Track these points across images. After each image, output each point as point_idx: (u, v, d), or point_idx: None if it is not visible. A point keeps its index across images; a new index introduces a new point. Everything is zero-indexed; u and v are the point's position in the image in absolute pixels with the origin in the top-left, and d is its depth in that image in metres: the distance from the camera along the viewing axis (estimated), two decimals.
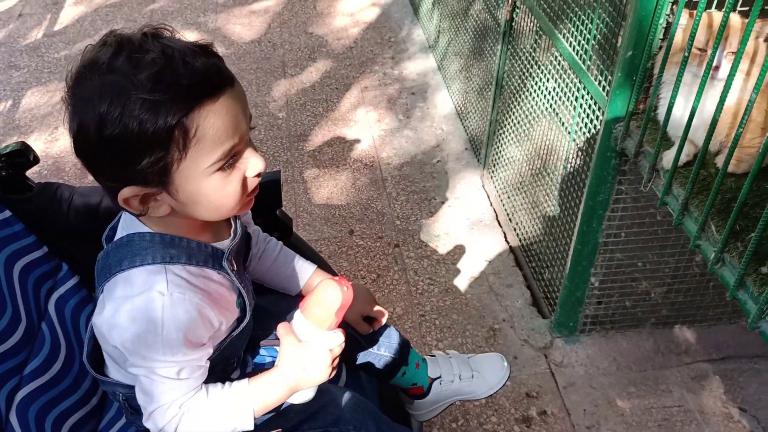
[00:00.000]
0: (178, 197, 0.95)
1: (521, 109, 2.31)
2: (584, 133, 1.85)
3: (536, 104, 2.18)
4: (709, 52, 1.30)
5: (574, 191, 1.95)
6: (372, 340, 1.41)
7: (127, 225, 1.04)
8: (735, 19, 1.35)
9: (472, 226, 2.54)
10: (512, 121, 2.41)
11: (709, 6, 1.46)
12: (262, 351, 1.29)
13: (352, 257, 2.43)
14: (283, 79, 3.40)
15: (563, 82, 1.97)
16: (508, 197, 2.51)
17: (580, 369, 2.05)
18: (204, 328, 1.02)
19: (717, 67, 1.33)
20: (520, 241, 2.41)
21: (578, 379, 2.03)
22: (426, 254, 2.43)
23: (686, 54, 1.35)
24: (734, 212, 1.23)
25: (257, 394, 1.06)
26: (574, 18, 1.84)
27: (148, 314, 0.96)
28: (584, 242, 1.87)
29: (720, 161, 1.43)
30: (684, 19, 1.40)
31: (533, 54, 2.18)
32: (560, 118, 2.01)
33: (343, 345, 1.09)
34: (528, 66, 2.23)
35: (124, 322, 0.97)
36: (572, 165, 1.97)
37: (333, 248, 2.47)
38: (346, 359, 1.36)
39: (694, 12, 1.36)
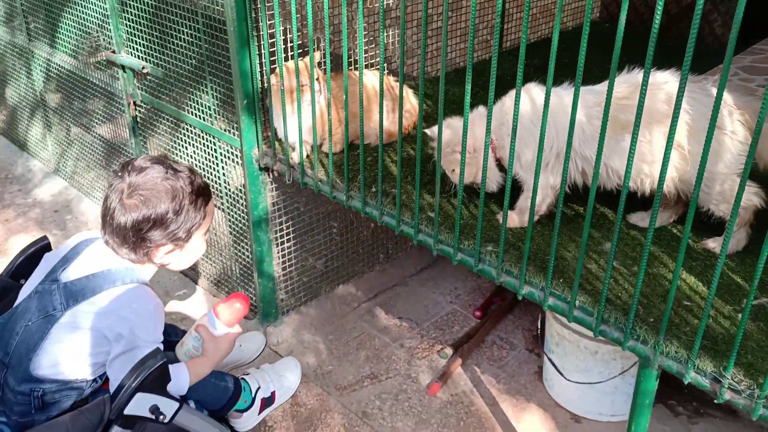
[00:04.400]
0: (184, 249, 1.80)
1: None
2: (232, 168, 2.54)
3: None
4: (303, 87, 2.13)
5: (240, 215, 2.62)
6: None
7: (104, 260, 1.74)
8: (301, 65, 2.20)
9: (169, 291, 3.01)
10: None
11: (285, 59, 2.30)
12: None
13: None
14: None
15: (201, 143, 2.64)
16: None
17: (292, 340, 2.71)
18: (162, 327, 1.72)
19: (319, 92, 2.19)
20: (207, 279, 2.98)
21: (293, 347, 2.68)
22: None
23: (282, 96, 2.16)
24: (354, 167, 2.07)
25: (193, 372, 1.78)
26: (194, 96, 2.54)
27: (146, 309, 1.65)
28: (260, 244, 2.55)
29: (325, 148, 2.28)
30: (273, 78, 2.22)
31: (167, 134, 2.81)
32: (208, 167, 2.66)
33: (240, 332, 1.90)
34: (165, 144, 2.84)
35: (130, 315, 1.63)
36: (231, 197, 2.64)
37: None
38: None
39: (278, 71, 2.18)
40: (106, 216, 1.74)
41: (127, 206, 1.70)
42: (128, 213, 1.69)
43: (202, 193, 1.81)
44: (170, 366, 1.72)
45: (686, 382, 1.50)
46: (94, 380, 1.76)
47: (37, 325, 1.68)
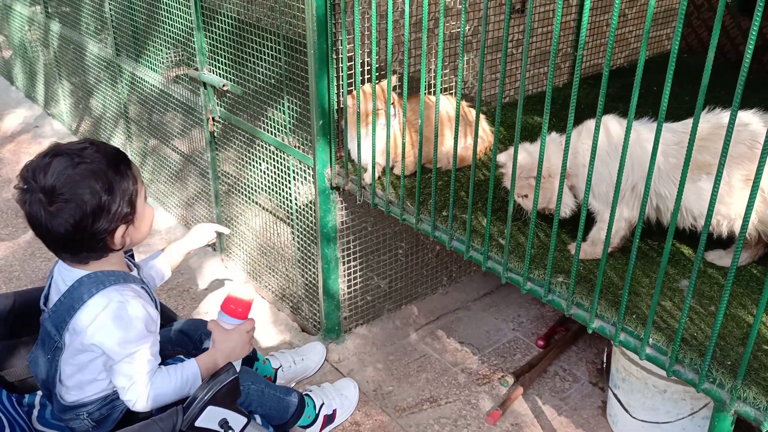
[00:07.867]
0: (136, 221, 1.58)
1: (243, 193, 2.99)
2: (303, 185, 2.60)
3: (255, 183, 2.87)
4: (379, 110, 2.17)
5: (308, 232, 2.66)
6: None
7: (67, 278, 1.54)
8: (377, 88, 2.24)
9: None
10: (238, 206, 3.07)
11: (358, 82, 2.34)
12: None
13: None
14: None
15: (274, 160, 2.71)
16: (250, 266, 3.13)
17: (353, 358, 2.73)
18: (151, 319, 1.57)
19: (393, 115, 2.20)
20: (271, 293, 3.03)
21: (354, 366, 2.70)
22: None
23: (357, 118, 2.20)
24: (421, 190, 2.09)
25: (203, 367, 1.67)
26: (270, 113, 2.61)
27: (120, 317, 1.48)
28: (327, 261, 2.59)
29: (397, 170, 2.31)
30: (349, 101, 2.27)
31: (242, 149, 2.89)
32: (279, 183, 2.73)
33: (255, 327, 1.74)
34: (239, 159, 2.93)
35: (106, 329, 1.48)
36: (301, 213, 2.69)
37: None
38: None
39: (354, 94, 2.23)
40: (44, 235, 1.57)
41: (56, 213, 1.51)
42: (61, 218, 1.51)
43: (118, 159, 1.61)
44: (176, 364, 1.69)
45: (765, 431, 1.44)
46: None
47: (48, 359, 1.66)
